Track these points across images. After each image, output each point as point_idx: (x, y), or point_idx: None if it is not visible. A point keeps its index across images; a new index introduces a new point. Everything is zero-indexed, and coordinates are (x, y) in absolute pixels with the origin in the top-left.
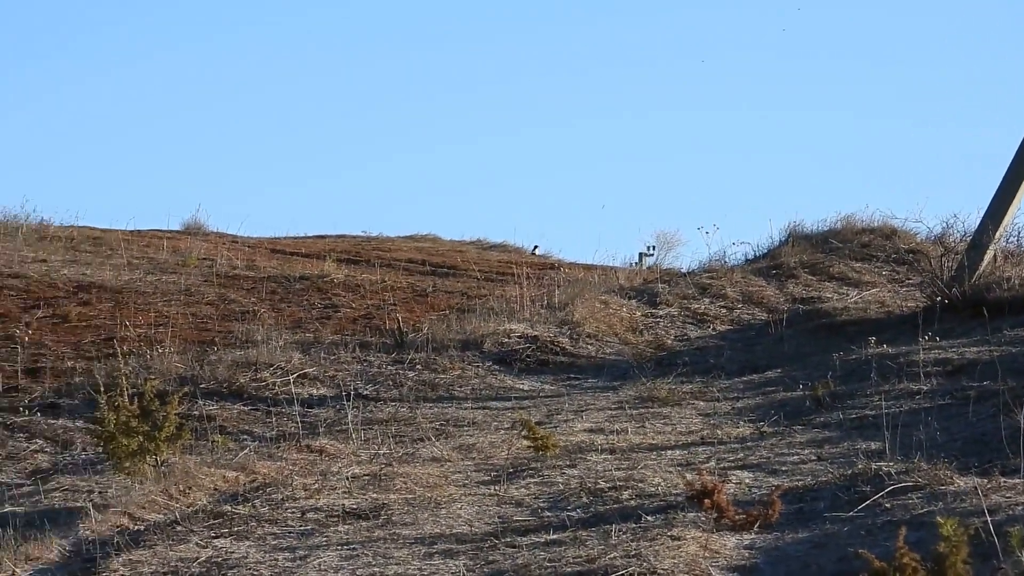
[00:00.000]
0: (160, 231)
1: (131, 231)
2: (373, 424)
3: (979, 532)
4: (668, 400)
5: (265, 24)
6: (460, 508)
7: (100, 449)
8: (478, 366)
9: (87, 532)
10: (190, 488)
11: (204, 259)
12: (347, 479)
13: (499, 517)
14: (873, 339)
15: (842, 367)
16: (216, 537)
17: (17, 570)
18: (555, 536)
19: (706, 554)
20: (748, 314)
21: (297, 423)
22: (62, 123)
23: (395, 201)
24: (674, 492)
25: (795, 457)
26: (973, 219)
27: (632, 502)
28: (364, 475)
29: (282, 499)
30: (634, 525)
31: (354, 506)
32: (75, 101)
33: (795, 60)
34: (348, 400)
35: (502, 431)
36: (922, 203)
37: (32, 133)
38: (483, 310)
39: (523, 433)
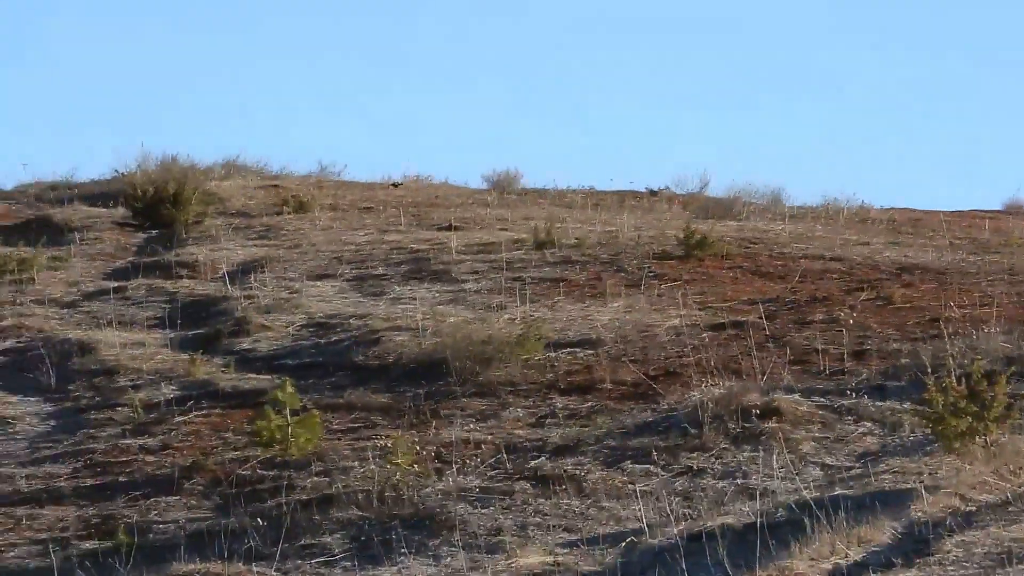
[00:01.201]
0: (980, 212)
1: (951, 212)
2: None
3: None
4: None
5: None
6: None
7: (928, 431)
8: None
9: (918, 514)
10: (1021, 468)
11: None
12: None
13: None
14: None
15: None
16: None
17: (849, 552)
18: None
19: None
20: None
21: None
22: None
23: None
24: None
25: None
26: None
27: None
28: None
29: None
30: None
31: None
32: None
33: None
34: None
35: None
36: None
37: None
38: None
39: None
